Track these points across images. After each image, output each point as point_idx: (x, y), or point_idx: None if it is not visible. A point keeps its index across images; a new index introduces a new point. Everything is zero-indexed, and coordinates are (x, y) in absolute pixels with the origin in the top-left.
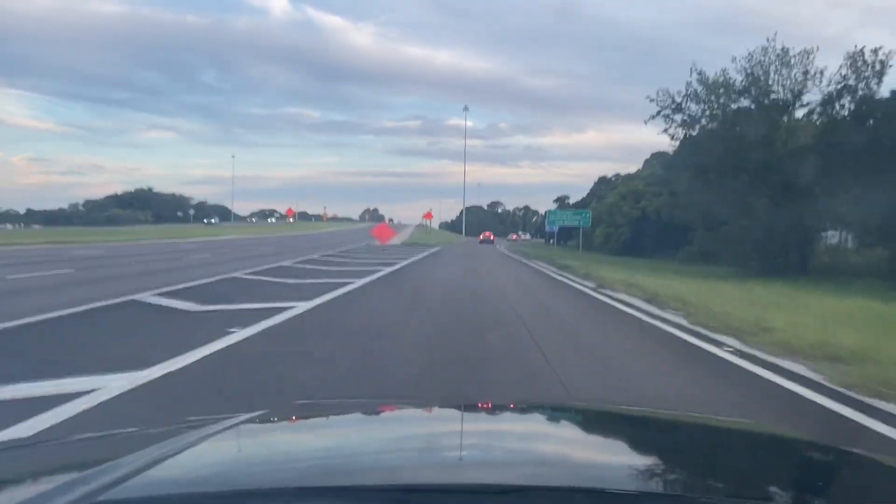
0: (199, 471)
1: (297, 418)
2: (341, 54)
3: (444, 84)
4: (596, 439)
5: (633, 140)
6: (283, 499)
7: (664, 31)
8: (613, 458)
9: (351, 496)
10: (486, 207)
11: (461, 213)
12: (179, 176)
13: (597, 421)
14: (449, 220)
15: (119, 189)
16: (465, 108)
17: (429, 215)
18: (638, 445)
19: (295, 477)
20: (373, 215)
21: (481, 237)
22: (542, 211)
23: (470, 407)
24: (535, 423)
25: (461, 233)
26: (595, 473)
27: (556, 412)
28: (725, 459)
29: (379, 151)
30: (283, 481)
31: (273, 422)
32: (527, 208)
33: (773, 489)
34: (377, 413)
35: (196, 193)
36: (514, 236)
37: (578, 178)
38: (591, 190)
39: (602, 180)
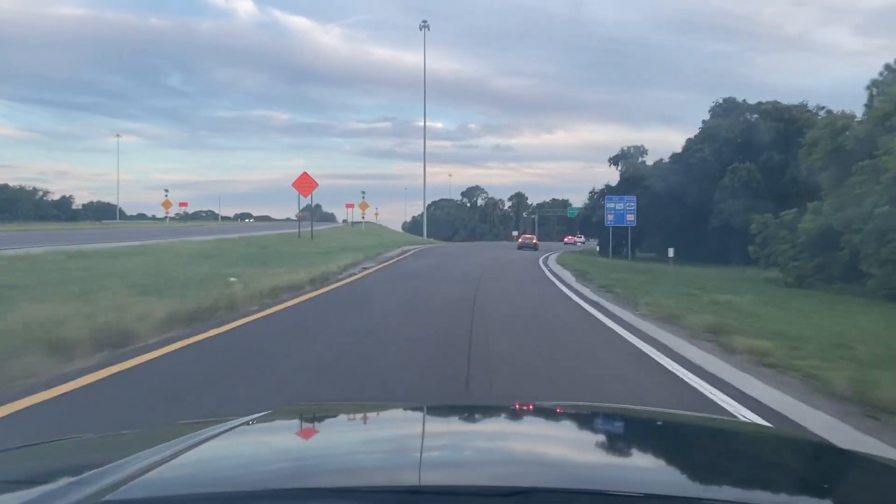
0: (202, 472)
1: (299, 419)
2: (309, 56)
3: (413, 85)
4: (601, 441)
5: (601, 140)
6: (287, 500)
7: (631, 31)
8: (618, 460)
9: (355, 497)
10: (458, 200)
11: (430, 206)
12: (146, 181)
13: (601, 423)
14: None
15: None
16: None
17: (363, 206)
18: (642, 447)
19: (298, 478)
20: (315, 213)
21: (520, 240)
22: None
23: (474, 409)
24: (540, 425)
25: (436, 234)
26: (600, 475)
27: (560, 414)
28: (729, 461)
29: (349, 153)
30: (287, 482)
31: (276, 423)
32: (520, 196)
33: (775, 490)
34: (380, 414)
35: (160, 199)
36: (569, 238)
37: (547, 179)
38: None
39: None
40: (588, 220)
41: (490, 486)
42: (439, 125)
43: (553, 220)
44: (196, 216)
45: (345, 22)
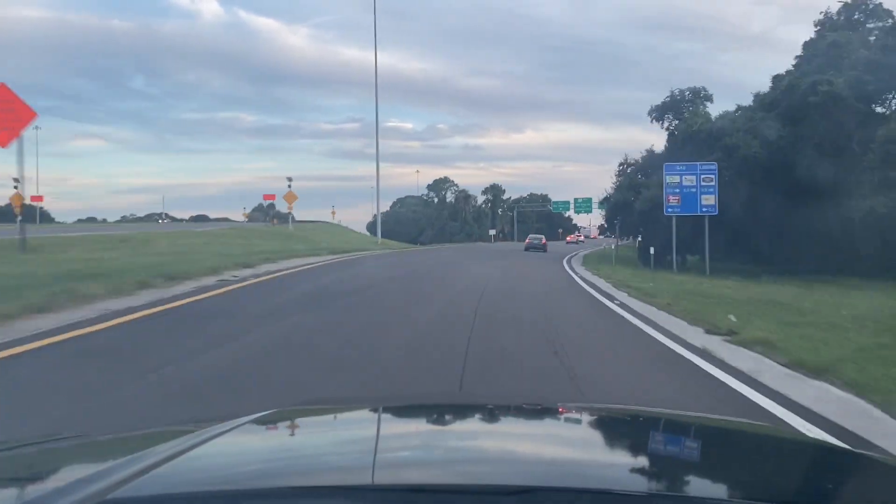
0: (206, 470)
1: (302, 418)
2: (275, 57)
3: (381, 86)
4: (603, 441)
5: (570, 139)
6: (290, 498)
7: (598, 30)
8: (621, 460)
9: (357, 496)
10: (424, 195)
11: (395, 204)
12: (110, 185)
13: (604, 422)
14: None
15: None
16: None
17: (288, 197)
18: (645, 447)
19: (301, 476)
20: (267, 212)
21: (527, 240)
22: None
23: (478, 408)
24: (542, 425)
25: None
26: (603, 475)
27: (563, 413)
28: (732, 461)
29: (318, 155)
30: (289, 480)
31: (278, 422)
32: (495, 189)
33: (778, 490)
34: (384, 413)
35: (128, 203)
36: (572, 237)
37: (518, 178)
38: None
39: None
40: (622, 207)
41: (492, 484)
42: (408, 126)
43: (532, 217)
44: (149, 218)
45: (312, 22)
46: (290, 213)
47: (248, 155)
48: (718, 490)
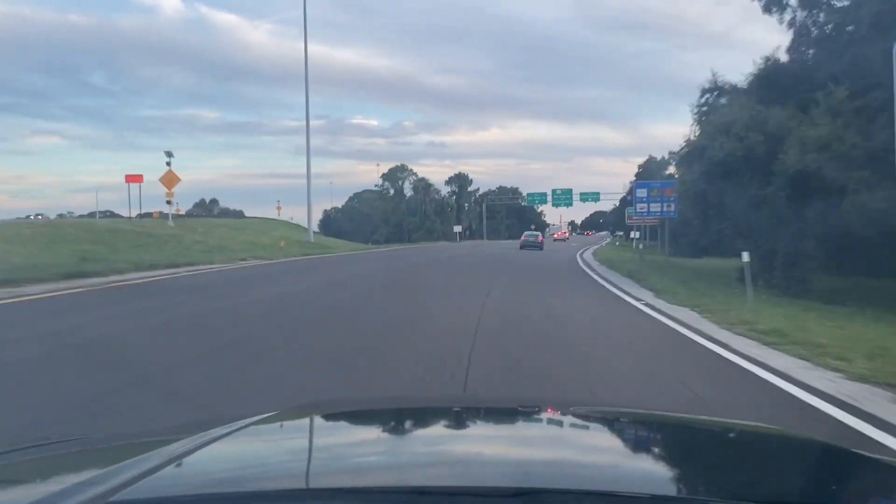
0: (210, 472)
1: (305, 420)
2: (238, 53)
3: (346, 82)
4: (606, 442)
5: (535, 137)
6: (294, 500)
7: (562, 28)
8: (623, 461)
9: (360, 498)
10: (379, 186)
11: (351, 199)
12: (70, 183)
13: (606, 424)
14: (334, 212)
15: None
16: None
17: (167, 179)
18: (647, 448)
19: (304, 478)
20: (211, 209)
21: (522, 237)
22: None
23: (480, 409)
24: (545, 426)
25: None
26: (605, 476)
27: (565, 415)
28: (734, 462)
29: (282, 152)
30: (293, 482)
31: (282, 423)
32: (461, 179)
33: (781, 491)
34: (388, 414)
35: (87, 202)
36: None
37: (484, 176)
38: None
39: None
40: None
41: (495, 486)
42: (374, 122)
43: (502, 212)
44: (92, 215)
45: (275, 18)
46: (170, 201)
47: (209, 152)
48: (720, 491)
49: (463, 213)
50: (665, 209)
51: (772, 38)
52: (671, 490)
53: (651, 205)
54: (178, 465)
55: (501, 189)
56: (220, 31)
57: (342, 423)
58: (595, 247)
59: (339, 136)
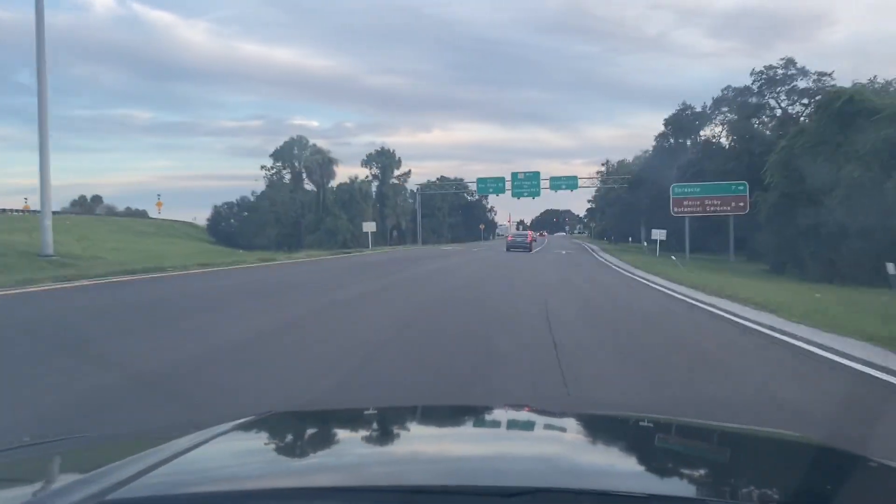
0: (204, 471)
1: (300, 420)
2: (173, 52)
3: (285, 82)
4: (604, 443)
5: (477, 139)
6: (290, 499)
7: (502, 31)
8: (621, 462)
9: (358, 497)
10: (267, 171)
11: (262, 194)
12: None
13: (605, 425)
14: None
15: None
16: None
17: None
18: (645, 449)
19: (301, 477)
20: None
21: (509, 237)
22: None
23: (476, 409)
24: (543, 426)
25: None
26: (603, 476)
27: (563, 415)
28: (732, 464)
29: (219, 153)
30: (289, 481)
31: (277, 424)
32: (385, 157)
33: (779, 493)
34: (385, 414)
35: (16, 204)
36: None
37: (426, 178)
38: None
39: None
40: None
41: (492, 486)
42: (314, 123)
43: (444, 209)
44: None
45: (211, 17)
46: None
47: (143, 153)
48: (717, 492)
49: (388, 200)
50: None
51: (704, 44)
52: (668, 490)
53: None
54: (171, 465)
55: (444, 180)
56: (153, 28)
57: (336, 424)
58: (606, 256)
59: (277, 137)
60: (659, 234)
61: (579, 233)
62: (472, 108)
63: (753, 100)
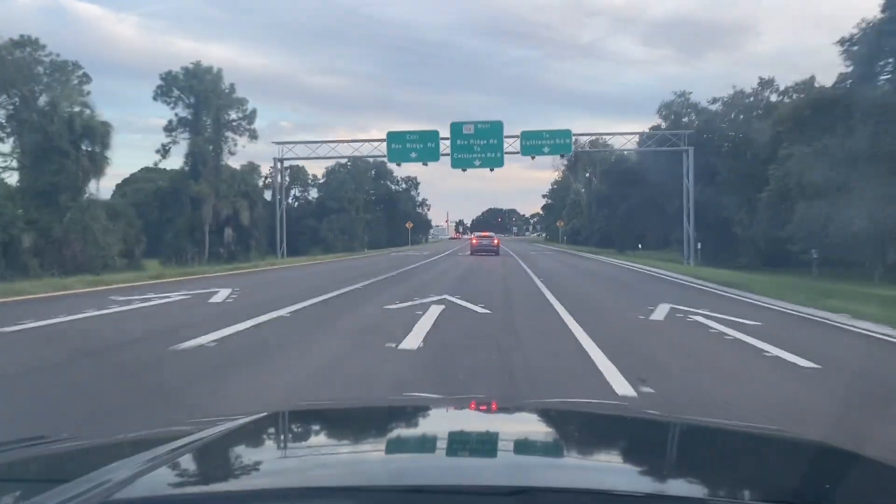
0: (204, 472)
1: (299, 419)
2: (102, 47)
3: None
4: (603, 442)
5: None
6: (289, 499)
7: (442, 34)
8: (620, 461)
9: (356, 496)
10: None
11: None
12: None
13: (603, 423)
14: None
15: None
16: None
17: None
18: (644, 448)
19: (300, 476)
20: None
21: (474, 240)
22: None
23: (478, 408)
24: (541, 425)
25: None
26: (602, 475)
27: (562, 414)
28: (731, 462)
29: (150, 152)
30: (289, 481)
31: (276, 423)
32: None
33: (777, 491)
34: (383, 414)
35: None
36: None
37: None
38: None
39: None
40: None
41: (491, 485)
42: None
43: (357, 203)
44: None
45: (142, 11)
46: None
47: None
48: (716, 491)
49: (246, 185)
50: None
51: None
52: (667, 489)
53: None
54: (172, 465)
55: (357, 165)
56: (81, 22)
57: (335, 423)
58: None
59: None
60: None
61: (538, 235)
62: (411, 109)
63: None
